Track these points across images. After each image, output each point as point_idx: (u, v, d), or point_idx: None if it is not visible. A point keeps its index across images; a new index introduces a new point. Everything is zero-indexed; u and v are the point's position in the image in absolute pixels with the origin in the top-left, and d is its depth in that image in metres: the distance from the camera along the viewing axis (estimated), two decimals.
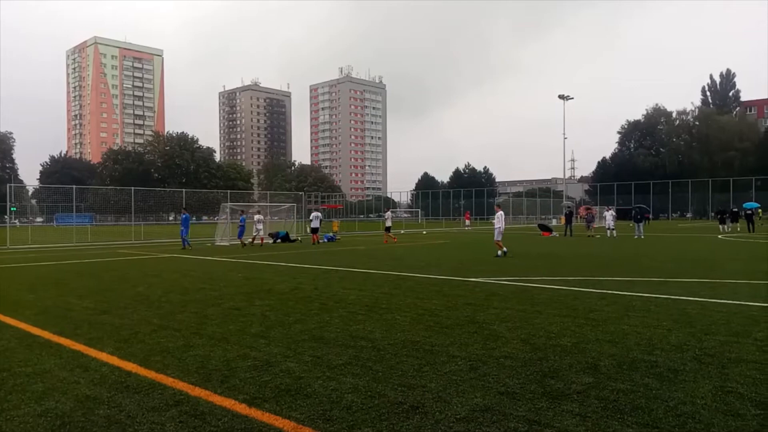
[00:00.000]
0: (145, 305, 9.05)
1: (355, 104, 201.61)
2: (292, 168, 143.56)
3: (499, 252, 18.15)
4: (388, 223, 29.33)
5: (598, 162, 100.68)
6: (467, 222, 56.90)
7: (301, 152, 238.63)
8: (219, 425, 3.91)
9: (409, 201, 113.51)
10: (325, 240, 28.88)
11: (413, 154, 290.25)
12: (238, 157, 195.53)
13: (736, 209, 41.11)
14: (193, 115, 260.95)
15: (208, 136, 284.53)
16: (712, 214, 39.97)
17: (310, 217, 29.03)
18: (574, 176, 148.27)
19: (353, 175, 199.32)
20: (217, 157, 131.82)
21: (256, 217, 26.41)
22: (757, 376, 4.84)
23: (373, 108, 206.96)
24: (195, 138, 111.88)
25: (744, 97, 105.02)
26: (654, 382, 4.73)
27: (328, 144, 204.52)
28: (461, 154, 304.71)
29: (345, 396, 4.45)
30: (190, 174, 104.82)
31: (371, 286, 11.18)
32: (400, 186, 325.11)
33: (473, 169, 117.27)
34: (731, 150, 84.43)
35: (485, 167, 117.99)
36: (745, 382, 4.68)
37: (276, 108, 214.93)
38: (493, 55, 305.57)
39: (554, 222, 56.04)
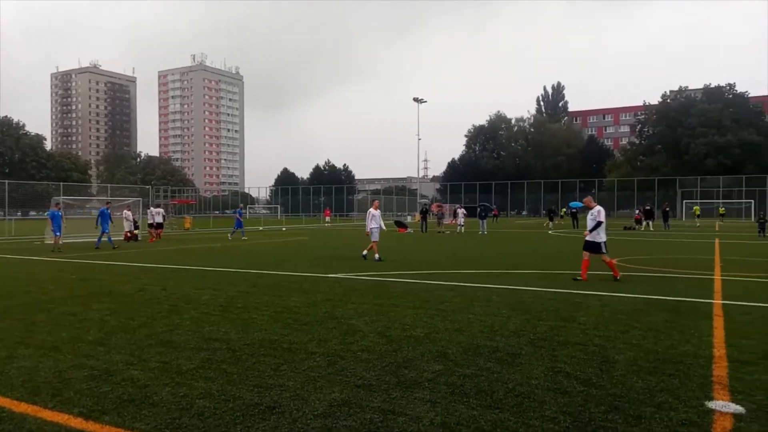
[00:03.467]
0: None
1: (210, 94, 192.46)
2: (138, 160, 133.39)
3: (377, 255, 15.41)
4: (158, 219, 28.45)
5: (448, 163, 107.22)
6: (327, 218, 57.33)
7: (148, 143, 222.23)
8: None
9: (268, 197, 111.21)
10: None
11: (273, 150, 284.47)
12: (74, 146, 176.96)
13: (553, 208, 46.77)
14: (18, 98, 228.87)
15: (38, 121, 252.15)
16: (544, 212, 45.24)
17: (153, 213, 28.37)
18: (427, 176, 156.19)
19: (207, 169, 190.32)
20: (48, 145, 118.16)
21: (126, 212, 25.89)
22: (582, 357, 5.47)
23: (230, 99, 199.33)
24: (20, 123, 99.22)
25: (571, 107, 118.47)
26: (495, 366, 5.13)
27: (179, 135, 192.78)
28: (322, 151, 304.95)
29: (196, 402, 4.22)
30: (15, 163, 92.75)
31: (226, 284, 10.75)
32: (258, 181, 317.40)
33: (333, 166, 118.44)
34: (560, 155, 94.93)
35: (345, 165, 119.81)
36: (571, 362, 5.27)
37: (119, 94, 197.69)
38: (354, 54, 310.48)
39: (409, 219, 58.49)
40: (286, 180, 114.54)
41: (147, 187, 52.26)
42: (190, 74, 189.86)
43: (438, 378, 4.78)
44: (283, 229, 41.16)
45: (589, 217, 11.78)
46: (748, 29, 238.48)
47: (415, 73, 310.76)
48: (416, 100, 66.11)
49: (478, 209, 37.19)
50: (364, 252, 16.00)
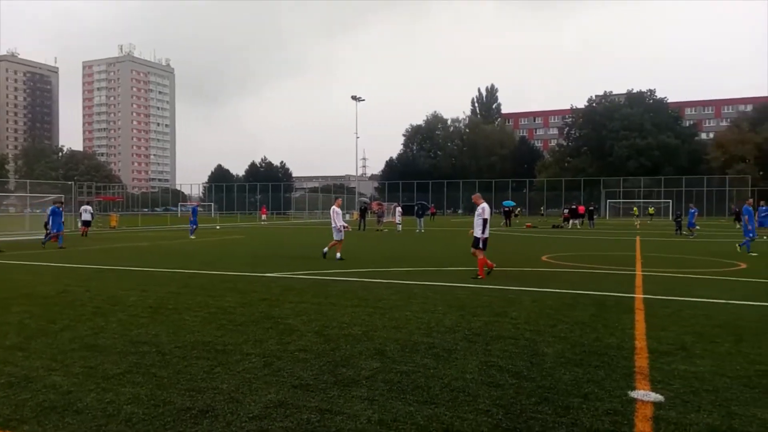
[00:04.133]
0: None
1: (138, 86, 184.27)
2: (60, 154, 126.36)
3: (334, 252, 15.27)
4: (85, 217, 27.49)
5: (386, 161, 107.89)
6: (263, 216, 56.38)
7: (71, 137, 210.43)
8: None
9: (201, 194, 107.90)
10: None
11: (206, 146, 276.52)
12: None
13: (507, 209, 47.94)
14: None
15: None
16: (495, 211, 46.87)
17: (80, 210, 27.87)
18: (365, 174, 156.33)
19: (136, 164, 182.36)
20: None
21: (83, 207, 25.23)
22: (513, 350, 5.65)
23: (160, 92, 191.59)
24: None
25: (504, 110, 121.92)
26: (432, 362, 5.21)
27: (104, 129, 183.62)
28: (258, 148, 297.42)
29: (124, 408, 4.04)
30: None
31: (155, 285, 10.35)
32: (191, 178, 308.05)
33: (270, 164, 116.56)
34: (494, 155, 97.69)
35: (282, 162, 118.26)
36: (503, 356, 5.42)
37: (39, 84, 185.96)
38: (291, 51, 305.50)
39: (347, 217, 58.41)
40: (220, 177, 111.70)
41: (70, 183, 49.49)
42: (116, 65, 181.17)
43: (375, 375, 4.80)
44: (218, 227, 40.05)
45: (476, 213, 11.74)
46: (667, 37, 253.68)
47: (353, 71, 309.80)
48: (354, 98, 66.07)
49: (416, 208, 37.58)
50: (338, 254, 15.04)
